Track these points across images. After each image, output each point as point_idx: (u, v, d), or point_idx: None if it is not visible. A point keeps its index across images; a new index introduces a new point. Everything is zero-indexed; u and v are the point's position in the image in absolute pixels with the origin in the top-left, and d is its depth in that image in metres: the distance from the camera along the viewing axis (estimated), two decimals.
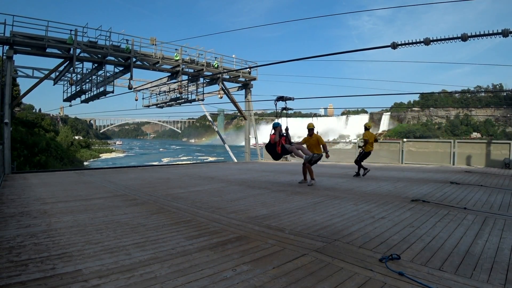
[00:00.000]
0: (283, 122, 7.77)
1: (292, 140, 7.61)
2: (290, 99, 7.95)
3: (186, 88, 19.16)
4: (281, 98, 7.82)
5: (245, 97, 20.39)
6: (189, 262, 2.58)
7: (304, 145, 7.77)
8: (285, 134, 7.40)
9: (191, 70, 17.56)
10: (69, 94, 18.16)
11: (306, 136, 7.88)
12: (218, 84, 18.76)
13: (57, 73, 16.16)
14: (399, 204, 4.93)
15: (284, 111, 8.02)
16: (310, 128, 7.71)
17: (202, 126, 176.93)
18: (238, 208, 4.79)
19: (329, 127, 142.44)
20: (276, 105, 7.85)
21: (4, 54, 12.50)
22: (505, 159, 11.21)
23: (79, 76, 16.91)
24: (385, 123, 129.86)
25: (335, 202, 5.22)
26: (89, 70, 16.34)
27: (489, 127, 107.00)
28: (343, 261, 2.60)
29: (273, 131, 7.32)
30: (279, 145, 7.14)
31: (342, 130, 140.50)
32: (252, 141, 20.78)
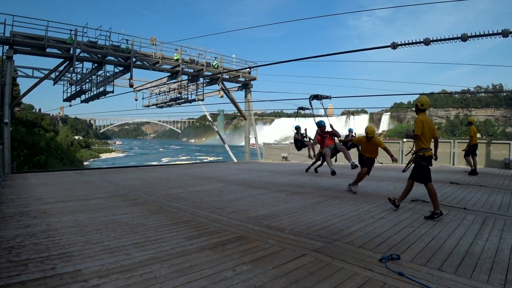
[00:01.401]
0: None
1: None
2: (327, 97, 7.52)
3: (186, 88, 19.16)
4: (316, 97, 7.30)
5: (245, 97, 20.39)
6: (189, 262, 2.58)
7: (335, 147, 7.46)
8: (323, 135, 7.25)
9: (191, 70, 17.55)
10: (69, 94, 18.15)
11: (362, 137, 6.43)
12: (218, 84, 18.75)
13: (57, 73, 16.14)
14: (399, 205, 4.92)
15: (322, 110, 7.60)
16: (371, 136, 5.99)
17: (202, 126, 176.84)
18: (238, 208, 4.79)
19: (328, 128, 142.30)
20: (311, 103, 7.40)
21: (4, 54, 12.49)
22: (505, 159, 11.20)
23: (79, 76, 16.89)
24: (385, 123, 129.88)
25: (335, 202, 5.22)
26: (89, 70, 16.34)
27: (489, 127, 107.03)
28: (343, 261, 2.60)
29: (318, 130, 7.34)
30: (322, 147, 7.18)
31: (342, 130, 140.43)
32: (252, 141, 20.77)
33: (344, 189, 6.67)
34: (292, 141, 12.14)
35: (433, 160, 4.35)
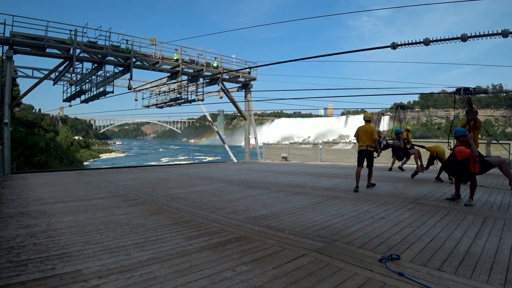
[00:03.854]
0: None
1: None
2: (485, 92, 5.81)
3: (186, 88, 19.17)
4: (466, 91, 5.30)
5: (245, 97, 20.40)
6: (188, 262, 2.58)
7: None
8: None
9: (191, 70, 17.56)
10: (69, 94, 18.15)
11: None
12: (218, 84, 18.77)
13: (57, 73, 16.15)
14: (399, 204, 4.93)
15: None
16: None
17: (201, 126, 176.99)
18: (238, 208, 4.79)
19: (329, 128, 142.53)
20: (455, 100, 5.46)
21: (4, 54, 12.50)
22: (505, 159, 11.18)
23: (79, 76, 16.91)
24: (384, 123, 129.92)
25: (334, 202, 5.22)
26: (89, 70, 16.34)
27: (488, 127, 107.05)
28: (342, 262, 2.60)
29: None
30: (476, 162, 4.65)
31: (342, 130, 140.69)
32: (251, 141, 20.77)
33: (344, 189, 6.66)
34: (292, 141, 12.02)
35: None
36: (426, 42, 5.67)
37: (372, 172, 6.78)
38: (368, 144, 6.51)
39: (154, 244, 3.05)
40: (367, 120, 6.79)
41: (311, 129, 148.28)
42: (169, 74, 17.37)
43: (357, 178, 6.43)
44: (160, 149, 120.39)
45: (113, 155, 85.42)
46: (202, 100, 19.93)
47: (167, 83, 18.42)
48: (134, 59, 15.04)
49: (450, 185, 7.02)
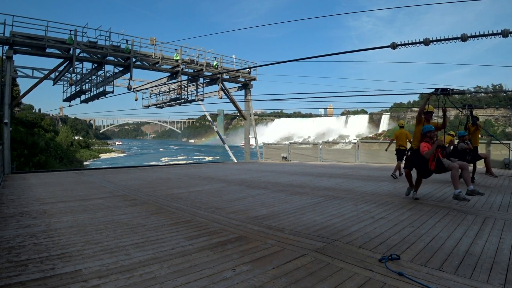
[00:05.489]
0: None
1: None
2: (462, 92, 5.96)
3: (186, 88, 19.17)
4: (444, 91, 5.39)
5: (245, 97, 20.40)
6: (188, 262, 2.58)
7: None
8: (445, 146, 5.21)
9: (191, 70, 17.56)
10: (69, 94, 18.16)
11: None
12: (218, 84, 18.77)
13: (57, 73, 16.15)
14: (399, 205, 4.93)
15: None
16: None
17: (201, 126, 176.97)
18: (238, 208, 4.79)
19: (329, 128, 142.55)
20: (429, 98, 5.56)
21: (4, 54, 12.50)
22: (505, 159, 11.20)
23: (78, 76, 16.90)
24: (384, 123, 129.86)
25: (334, 202, 5.22)
26: (89, 70, 16.34)
27: (488, 127, 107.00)
28: (342, 261, 2.60)
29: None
30: (434, 160, 4.89)
31: (342, 130, 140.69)
32: (251, 141, 20.79)
33: (344, 189, 6.66)
34: (292, 141, 11.96)
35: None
36: (426, 42, 5.65)
37: (399, 165, 8.48)
38: (401, 144, 8.63)
39: (154, 244, 3.05)
40: (401, 126, 9.14)
41: (311, 129, 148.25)
42: (169, 74, 17.36)
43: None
44: (160, 149, 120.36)
45: (113, 155, 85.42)
46: (202, 100, 19.94)
47: (167, 83, 18.42)
48: (134, 59, 15.03)
49: (451, 184, 6.99)
